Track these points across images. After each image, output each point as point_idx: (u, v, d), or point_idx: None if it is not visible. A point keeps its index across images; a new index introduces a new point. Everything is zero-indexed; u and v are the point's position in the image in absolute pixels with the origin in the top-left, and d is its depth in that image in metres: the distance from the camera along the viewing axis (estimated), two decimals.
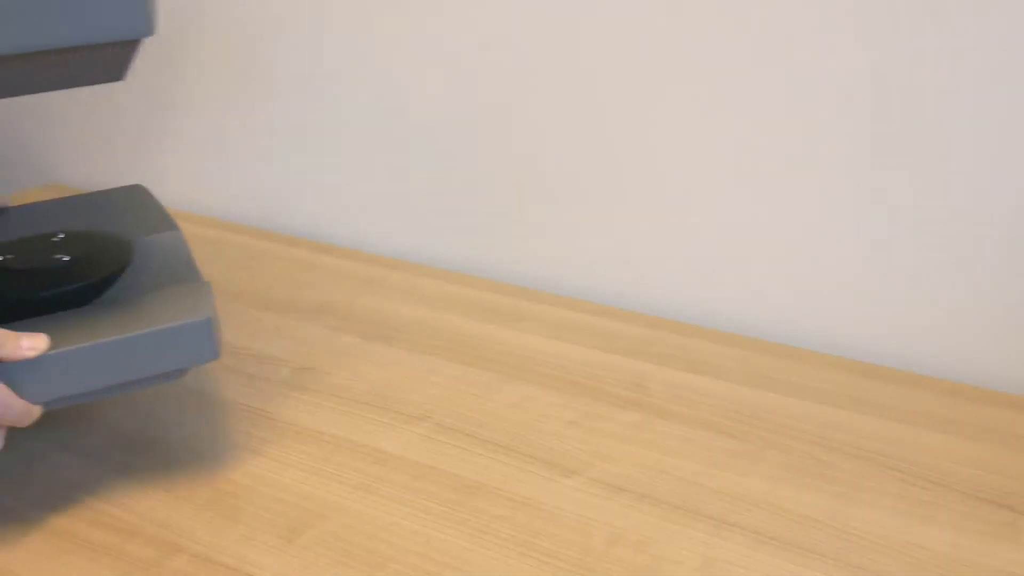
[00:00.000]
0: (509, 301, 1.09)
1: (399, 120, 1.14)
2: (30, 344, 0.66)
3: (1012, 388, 0.93)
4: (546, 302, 1.09)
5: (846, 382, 0.94)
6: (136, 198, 0.96)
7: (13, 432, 0.67)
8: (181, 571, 0.67)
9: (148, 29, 0.62)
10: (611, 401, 0.89)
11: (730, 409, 0.88)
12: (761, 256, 1.03)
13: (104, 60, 0.64)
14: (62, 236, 0.82)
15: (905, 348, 0.98)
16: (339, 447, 0.81)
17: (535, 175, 1.09)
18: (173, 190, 1.38)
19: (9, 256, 0.79)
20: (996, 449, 0.83)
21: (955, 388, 0.93)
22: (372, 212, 1.22)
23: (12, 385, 0.66)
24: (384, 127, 1.15)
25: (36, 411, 0.68)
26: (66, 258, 0.77)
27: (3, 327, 0.67)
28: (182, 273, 0.81)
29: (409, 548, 0.69)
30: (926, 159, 0.93)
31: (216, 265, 1.15)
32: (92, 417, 0.85)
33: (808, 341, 1.02)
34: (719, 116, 0.99)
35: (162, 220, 0.90)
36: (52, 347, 0.67)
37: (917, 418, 0.88)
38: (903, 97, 0.93)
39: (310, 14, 1.15)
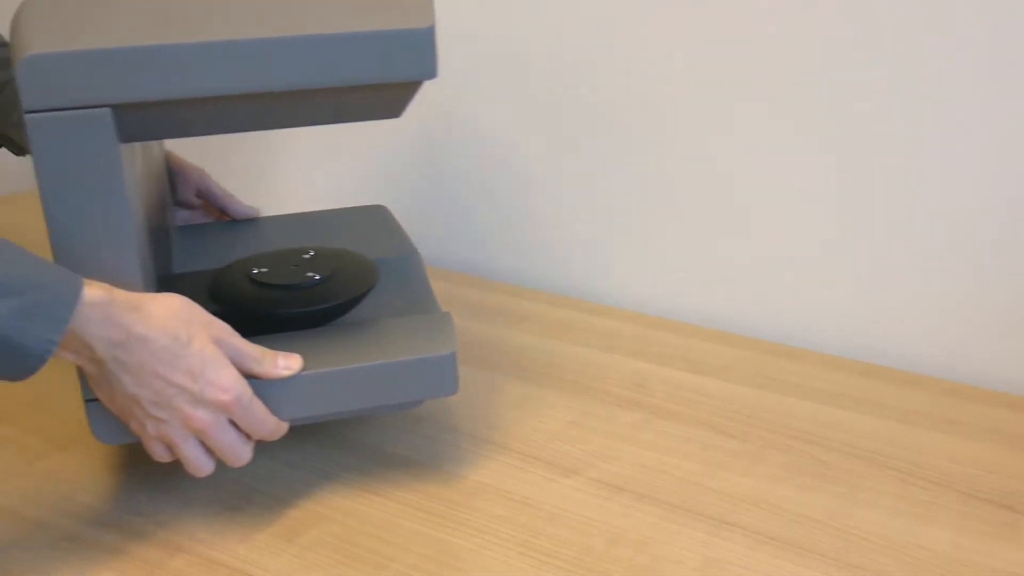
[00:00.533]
0: (506, 299, 1.09)
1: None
2: (286, 364, 0.69)
3: (1012, 388, 0.93)
4: (544, 301, 1.09)
5: (846, 382, 0.94)
6: (377, 217, 0.99)
7: (11, 430, 0.67)
8: (182, 571, 0.67)
9: (433, 72, 0.65)
10: (611, 401, 0.89)
11: (730, 409, 0.88)
12: (766, 259, 1.03)
13: (387, 98, 0.67)
14: (312, 254, 0.84)
15: (905, 348, 0.98)
16: (338, 447, 0.81)
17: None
18: None
19: (263, 269, 0.81)
20: (996, 449, 0.83)
21: (955, 388, 0.93)
22: None
23: (265, 401, 0.68)
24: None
25: (284, 427, 0.71)
26: (316, 277, 0.79)
27: (248, 340, 0.69)
28: (420, 298, 0.83)
29: (410, 548, 0.69)
30: (923, 161, 0.93)
31: None
32: None
33: (808, 341, 1.02)
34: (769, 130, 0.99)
35: (401, 242, 0.92)
36: (304, 368, 0.70)
37: (917, 418, 0.88)
38: (912, 105, 0.93)
39: None
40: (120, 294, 0.63)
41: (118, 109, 0.63)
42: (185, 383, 0.64)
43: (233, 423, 0.68)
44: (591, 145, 1.05)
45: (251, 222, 1.01)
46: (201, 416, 0.65)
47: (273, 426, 0.69)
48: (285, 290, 0.78)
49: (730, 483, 0.78)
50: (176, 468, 0.78)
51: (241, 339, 0.68)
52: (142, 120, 0.65)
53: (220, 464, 0.78)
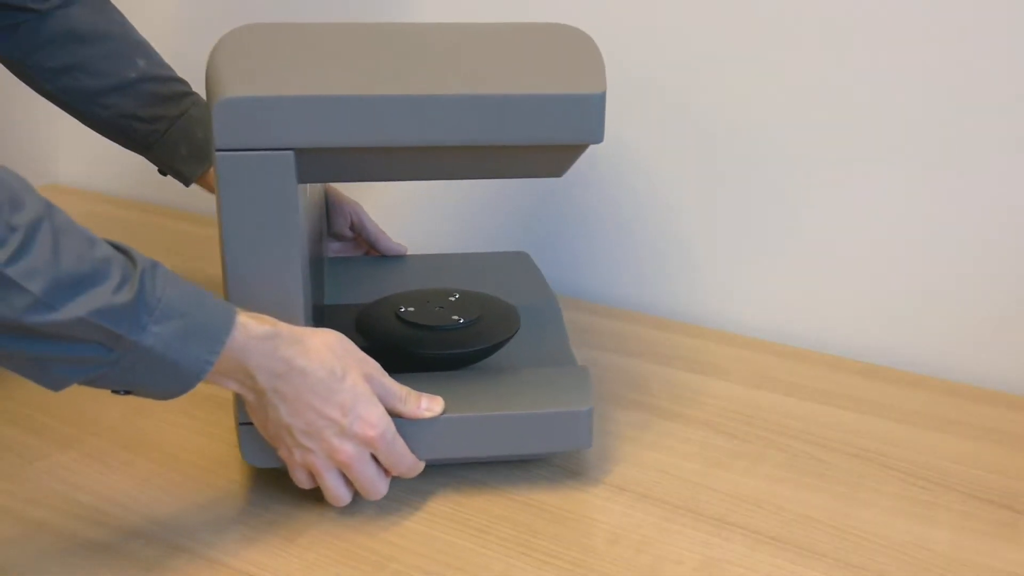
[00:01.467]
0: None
1: None
2: (428, 406, 0.72)
3: (1012, 388, 0.93)
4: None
5: (846, 382, 0.94)
6: (520, 264, 1.02)
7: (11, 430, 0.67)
8: (182, 571, 0.67)
9: (599, 137, 0.68)
10: (611, 401, 0.89)
11: (730, 409, 0.88)
12: (769, 261, 1.04)
13: (553, 158, 0.69)
14: (457, 296, 0.86)
15: (905, 348, 0.98)
16: None
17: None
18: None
19: (410, 308, 0.83)
20: (996, 449, 0.83)
21: (955, 388, 0.93)
22: None
23: (406, 439, 0.71)
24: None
25: (421, 465, 0.73)
26: (461, 320, 0.81)
27: (394, 380, 0.71)
28: (557, 348, 0.84)
29: (409, 548, 0.69)
30: (923, 162, 0.94)
31: None
32: (92, 416, 0.85)
33: (807, 341, 1.03)
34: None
35: (541, 290, 0.95)
36: (445, 411, 0.72)
37: (917, 418, 0.88)
38: (914, 106, 0.93)
39: None
40: (284, 328, 0.67)
41: (300, 153, 0.66)
42: (336, 416, 0.67)
43: (375, 458, 0.70)
44: (738, 182, 1.03)
45: (399, 259, 1.04)
46: (347, 450, 0.68)
47: (411, 463, 0.72)
48: (430, 331, 0.81)
49: (730, 483, 0.78)
50: (176, 468, 0.78)
51: (389, 378, 0.71)
52: (320, 164, 0.69)
53: (219, 464, 0.78)
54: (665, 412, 0.88)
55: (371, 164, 0.71)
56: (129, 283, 0.59)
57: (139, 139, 0.97)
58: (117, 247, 0.61)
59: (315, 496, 0.74)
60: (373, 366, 0.70)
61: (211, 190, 1.00)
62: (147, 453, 0.80)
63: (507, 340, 0.81)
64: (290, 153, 0.66)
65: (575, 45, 0.76)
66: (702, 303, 1.07)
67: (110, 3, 0.97)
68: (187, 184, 1.00)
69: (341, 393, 0.67)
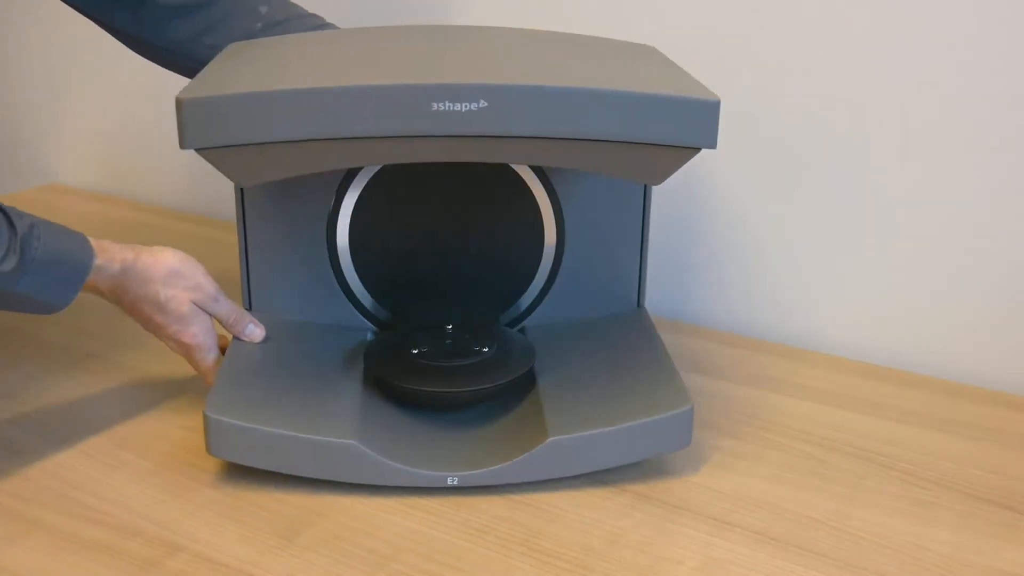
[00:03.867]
0: None
1: None
2: (251, 332, 0.85)
3: (1012, 388, 0.93)
4: None
5: (846, 382, 0.94)
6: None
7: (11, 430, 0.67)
8: (181, 571, 0.67)
9: (712, 142, 0.69)
10: None
11: (731, 409, 0.88)
12: (766, 262, 1.04)
13: (655, 160, 0.70)
14: (451, 328, 0.87)
15: (905, 349, 0.98)
16: None
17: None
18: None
19: (423, 349, 0.84)
20: (996, 449, 0.83)
21: (955, 388, 0.93)
22: None
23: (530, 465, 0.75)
24: None
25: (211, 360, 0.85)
26: (485, 350, 0.83)
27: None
28: (651, 355, 0.85)
29: (409, 548, 0.69)
30: (923, 163, 0.94)
31: None
32: (91, 416, 0.85)
33: (807, 341, 1.02)
34: None
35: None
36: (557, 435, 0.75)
37: (917, 418, 0.88)
38: (918, 107, 0.93)
39: None
40: (137, 263, 0.80)
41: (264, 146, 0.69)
42: (160, 326, 0.83)
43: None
44: (737, 182, 1.03)
45: None
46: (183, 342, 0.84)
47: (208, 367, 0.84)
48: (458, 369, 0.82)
49: (730, 483, 0.78)
50: (176, 468, 0.78)
51: (222, 303, 0.84)
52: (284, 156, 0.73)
53: (219, 464, 0.78)
54: None
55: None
56: (12, 251, 0.72)
57: None
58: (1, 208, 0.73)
59: (315, 496, 0.74)
60: (207, 292, 0.83)
61: None
62: (147, 453, 0.80)
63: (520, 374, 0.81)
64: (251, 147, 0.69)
65: (654, 58, 0.81)
66: (699, 303, 1.07)
67: None
68: (190, 75, 0.95)
69: (161, 315, 0.82)
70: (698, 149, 0.70)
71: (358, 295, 0.90)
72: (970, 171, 0.92)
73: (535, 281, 0.90)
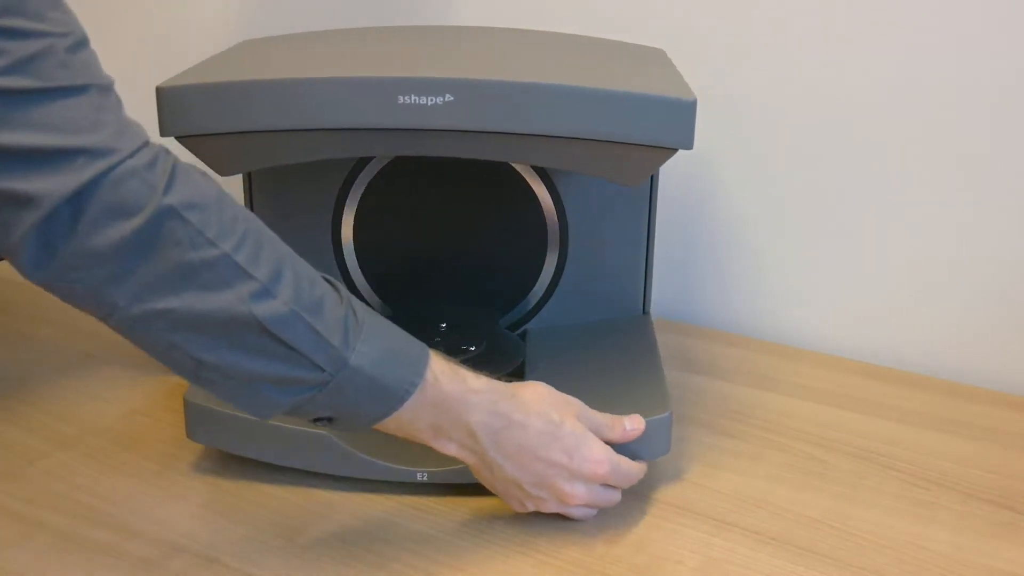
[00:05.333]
0: None
1: None
2: (632, 426, 0.72)
3: (1012, 388, 0.93)
4: None
5: (846, 382, 0.94)
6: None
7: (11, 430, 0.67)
8: (181, 571, 0.67)
9: (687, 143, 0.67)
10: None
11: (730, 409, 0.88)
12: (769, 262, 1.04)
13: (630, 160, 0.68)
14: (445, 326, 0.87)
15: (905, 348, 0.98)
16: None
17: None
18: None
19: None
20: (996, 449, 0.83)
21: (955, 388, 0.93)
22: None
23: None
24: None
25: (644, 467, 0.73)
26: (472, 348, 0.84)
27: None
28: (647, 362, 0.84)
29: (409, 548, 0.69)
30: (923, 163, 0.94)
31: None
32: (92, 416, 0.85)
33: (807, 341, 1.02)
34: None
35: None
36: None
37: (917, 418, 0.88)
38: (919, 109, 0.93)
39: None
40: (499, 384, 0.68)
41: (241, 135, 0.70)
42: (563, 462, 0.68)
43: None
44: (735, 181, 1.03)
45: None
46: (579, 492, 0.69)
47: (638, 472, 0.73)
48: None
49: (730, 483, 0.78)
50: (176, 468, 0.78)
51: (594, 411, 0.72)
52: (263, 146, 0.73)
53: (219, 464, 0.78)
54: None
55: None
56: (337, 300, 0.62)
57: None
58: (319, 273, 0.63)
59: (315, 496, 0.75)
60: (579, 405, 0.71)
61: None
62: (147, 453, 0.80)
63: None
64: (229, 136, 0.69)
65: (652, 59, 0.79)
66: (699, 303, 1.07)
67: None
68: None
69: (563, 439, 0.68)
70: (674, 150, 0.68)
71: (361, 290, 0.90)
72: (971, 171, 0.92)
73: (538, 284, 0.89)
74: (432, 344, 0.82)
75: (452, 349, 0.82)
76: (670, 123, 0.66)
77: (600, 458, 0.69)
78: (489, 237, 0.89)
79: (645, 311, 0.89)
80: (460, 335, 0.85)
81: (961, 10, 0.88)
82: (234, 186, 0.97)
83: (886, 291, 0.98)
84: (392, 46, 0.82)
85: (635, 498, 0.75)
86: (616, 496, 0.72)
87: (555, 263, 0.88)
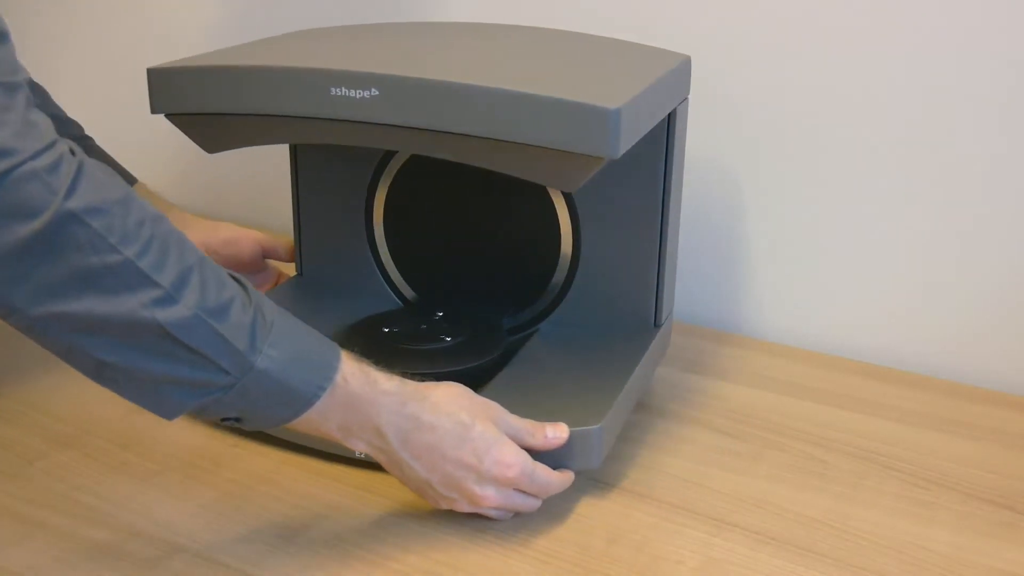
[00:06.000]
0: None
1: None
2: (554, 434, 0.71)
3: (1012, 388, 0.93)
4: None
5: (846, 382, 0.94)
6: None
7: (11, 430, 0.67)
8: (182, 571, 0.67)
9: (611, 151, 0.65)
10: None
11: (730, 409, 0.88)
12: (768, 262, 1.04)
13: (557, 165, 0.67)
14: (441, 315, 0.88)
15: (905, 348, 0.98)
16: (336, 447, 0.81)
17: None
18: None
19: (394, 328, 0.85)
20: (996, 449, 0.83)
21: (955, 388, 0.93)
22: None
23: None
24: None
25: (569, 477, 0.73)
26: (448, 339, 0.83)
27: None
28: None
29: (409, 548, 0.69)
30: (923, 163, 0.94)
31: None
32: (92, 416, 0.85)
33: (807, 341, 1.02)
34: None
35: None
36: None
37: (917, 418, 0.88)
38: (922, 110, 0.93)
39: None
40: (409, 384, 0.68)
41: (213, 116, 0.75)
42: (472, 463, 0.67)
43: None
44: (735, 182, 1.03)
45: None
46: (490, 495, 0.69)
47: (559, 482, 0.72)
48: (413, 350, 0.82)
49: (730, 483, 0.78)
50: (175, 468, 0.78)
51: (514, 416, 0.71)
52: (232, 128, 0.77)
53: (219, 464, 0.78)
54: (665, 412, 0.88)
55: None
56: (245, 304, 0.61)
57: None
58: (229, 273, 0.63)
59: (314, 496, 0.75)
60: (495, 408, 0.70)
61: None
62: (147, 453, 0.80)
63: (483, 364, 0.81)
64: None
65: (646, 65, 0.78)
66: (700, 304, 1.07)
67: None
68: None
69: (473, 441, 0.67)
70: (599, 158, 0.66)
71: (389, 271, 0.93)
72: (971, 170, 0.92)
73: (550, 287, 0.89)
74: (415, 330, 0.84)
75: (430, 337, 0.83)
76: (589, 130, 0.64)
77: (511, 462, 0.68)
78: (504, 236, 0.89)
79: (657, 323, 0.88)
80: (448, 325, 0.85)
81: (966, 11, 0.88)
82: (282, 163, 0.99)
83: (886, 291, 0.98)
84: (359, 41, 0.84)
85: (635, 498, 0.75)
86: (534, 503, 0.71)
87: (567, 269, 0.87)
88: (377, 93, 0.68)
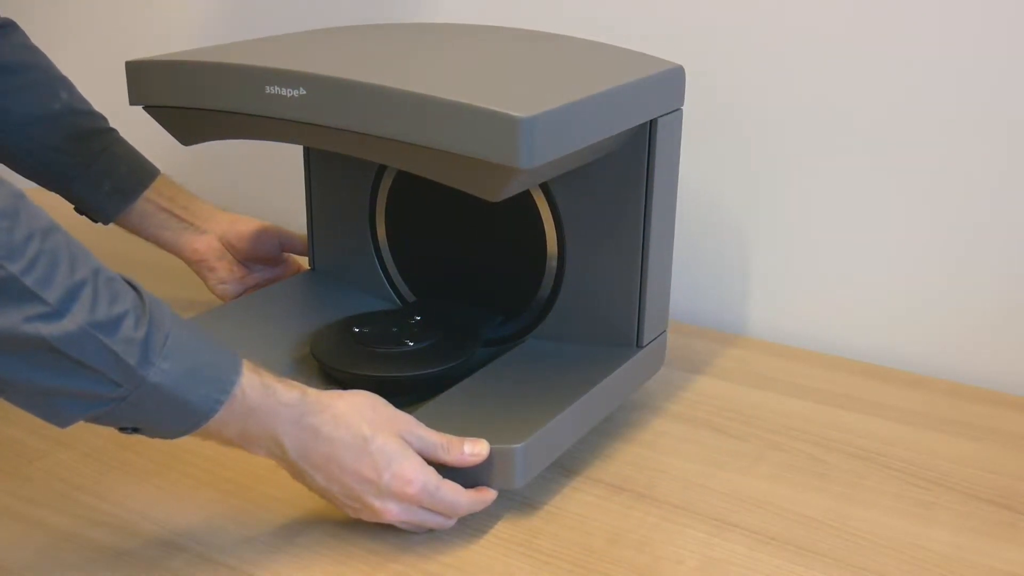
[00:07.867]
0: None
1: None
2: (472, 450, 0.69)
3: (1012, 388, 0.93)
4: None
5: (846, 382, 0.94)
6: None
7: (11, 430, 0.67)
8: (181, 571, 0.67)
9: (519, 161, 0.63)
10: None
11: (730, 409, 0.88)
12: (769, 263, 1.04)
13: (476, 173, 0.66)
14: (419, 319, 0.88)
15: (905, 348, 0.98)
16: None
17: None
18: None
19: (364, 329, 0.84)
20: (996, 449, 0.83)
21: (955, 388, 0.93)
22: None
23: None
24: None
25: (488, 496, 0.71)
26: (412, 344, 0.83)
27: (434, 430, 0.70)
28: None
29: (409, 548, 0.69)
30: (923, 163, 0.94)
31: None
32: None
33: (807, 341, 1.02)
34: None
35: None
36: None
37: (917, 418, 0.88)
38: (922, 110, 0.93)
39: None
40: (312, 394, 0.67)
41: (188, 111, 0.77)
42: (371, 478, 0.66)
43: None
44: (735, 183, 1.03)
45: None
46: (391, 509, 0.67)
47: (468, 501, 0.70)
48: (380, 354, 0.82)
49: (730, 483, 0.78)
50: (175, 468, 0.78)
51: (427, 429, 0.69)
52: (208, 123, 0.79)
53: (219, 464, 0.78)
54: (665, 412, 0.88)
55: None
56: (139, 317, 0.60)
57: (63, 172, 0.97)
58: (126, 281, 0.62)
59: (314, 496, 0.74)
60: (406, 420, 0.69)
61: (133, 231, 1.01)
62: (146, 453, 0.80)
63: (456, 365, 0.81)
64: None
65: (611, 71, 0.76)
66: (700, 304, 1.07)
67: (29, 40, 0.98)
68: (106, 223, 1.00)
69: (372, 455, 0.66)
70: (514, 168, 0.64)
71: (391, 272, 0.94)
72: (971, 170, 0.92)
73: (535, 300, 0.87)
74: (385, 332, 0.84)
75: (397, 340, 0.83)
76: (500, 139, 0.63)
77: (411, 478, 0.66)
78: (493, 247, 0.89)
79: (639, 345, 0.84)
80: (420, 330, 0.84)
81: (963, 13, 0.88)
82: (296, 167, 0.99)
83: (887, 291, 0.98)
84: (319, 41, 0.85)
85: (635, 498, 0.75)
86: (443, 521, 0.70)
87: (552, 281, 0.85)
88: (304, 92, 0.69)
